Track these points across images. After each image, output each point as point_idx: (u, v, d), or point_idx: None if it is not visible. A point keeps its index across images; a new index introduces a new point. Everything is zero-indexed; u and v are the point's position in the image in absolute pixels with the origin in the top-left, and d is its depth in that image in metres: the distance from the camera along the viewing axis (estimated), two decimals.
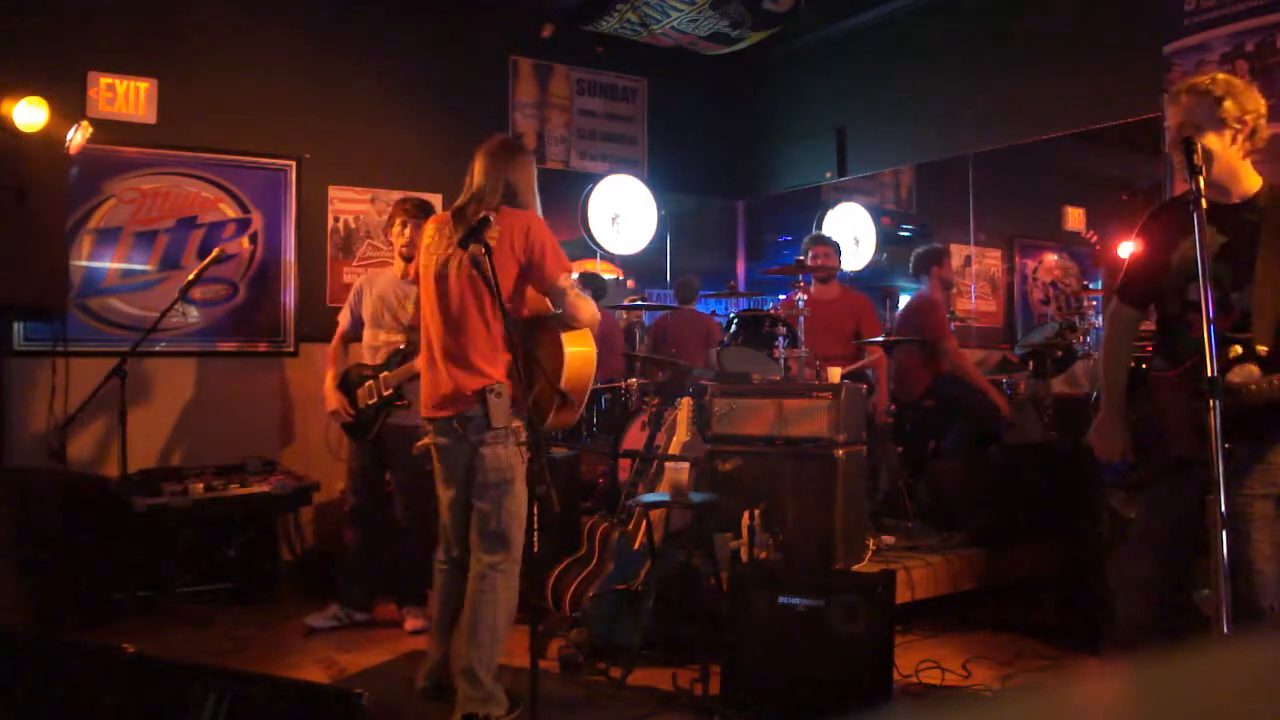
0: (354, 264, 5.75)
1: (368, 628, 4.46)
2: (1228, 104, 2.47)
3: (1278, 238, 2.48)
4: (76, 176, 4.76)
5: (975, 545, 4.59)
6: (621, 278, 7.11)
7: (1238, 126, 2.49)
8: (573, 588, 4.20)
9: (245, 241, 5.49)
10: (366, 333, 4.51)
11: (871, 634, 3.26)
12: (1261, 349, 2.44)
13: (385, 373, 4.34)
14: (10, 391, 4.85)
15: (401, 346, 4.36)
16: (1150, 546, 2.73)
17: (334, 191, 5.75)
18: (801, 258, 5.26)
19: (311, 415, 5.53)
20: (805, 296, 4.77)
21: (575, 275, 3.63)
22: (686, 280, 6.48)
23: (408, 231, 4.37)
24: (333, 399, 4.42)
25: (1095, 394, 3.75)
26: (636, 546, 4.04)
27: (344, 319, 4.61)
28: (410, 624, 4.42)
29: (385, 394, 4.33)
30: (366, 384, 4.38)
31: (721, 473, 4.22)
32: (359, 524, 4.52)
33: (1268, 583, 2.45)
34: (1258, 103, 2.51)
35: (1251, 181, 2.58)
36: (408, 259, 4.34)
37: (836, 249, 5.56)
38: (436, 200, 6.03)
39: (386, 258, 5.84)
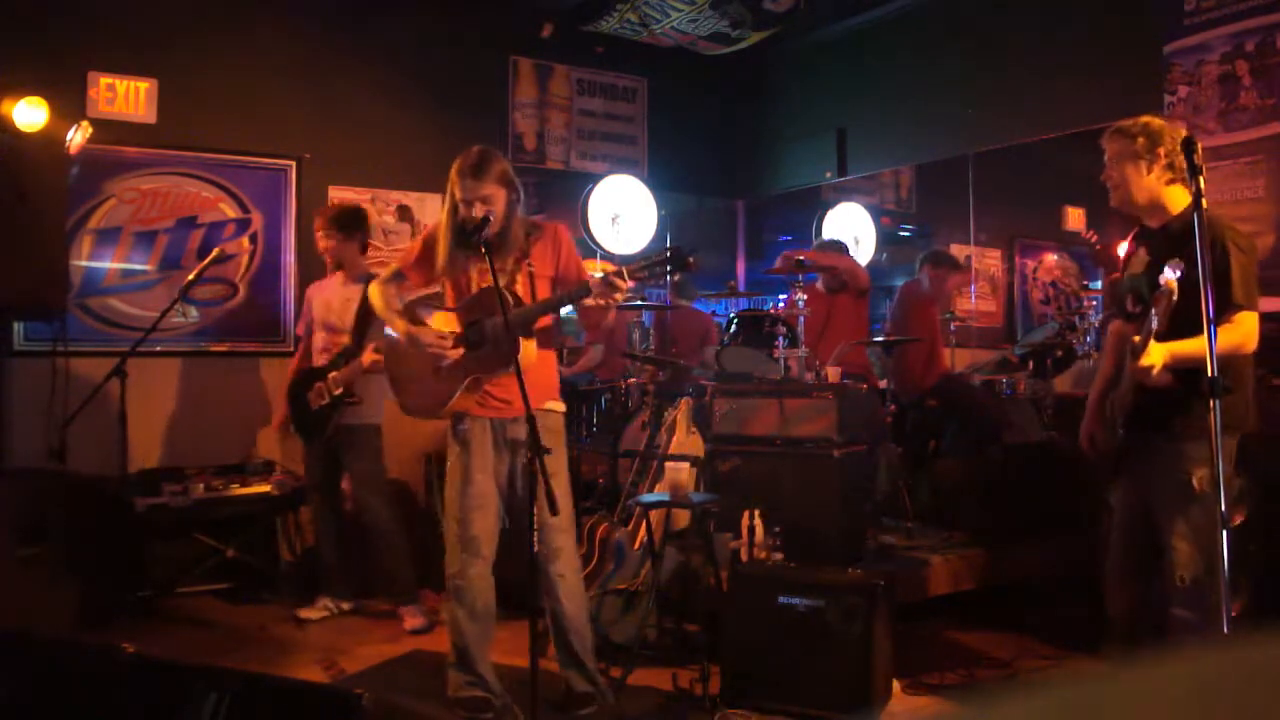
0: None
1: (368, 628, 4.47)
2: (1141, 141, 2.85)
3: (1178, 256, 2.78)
4: (76, 176, 4.75)
5: (975, 545, 4.59)
6: None
7: (1150, 159, 2.84)
8: None
9: (245, 241, 5.49)
10: (316, 336, 4.64)
11: (871, 634, 3.26)
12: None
13: (333, 372, 4.41)
14: (10, 391, 4.85)
15: (347, 344, 4.46)
16: (1118, 539, 3.05)
17: (334, 191, 5.75)
18: (802, 258, 5.26)
19: None
20: (805, 296, 4.77)
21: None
22: (683, 279, 6.47)
23: (332, 243, 4.59)
24: (281, 409, 4.60)
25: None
26: (636, 546, 4.04)
27: (302, 329, 4.80)
28: (410, 622, 4.43)
29: (335, 393, 4.39)
30: (315, 385, 4.46)
31: (721, 473, 4.22)
32: (321, 523, 4.68)
33: (1182, 558, 2.76)
34: (1174, 139, 2.81)
35: (1175, 204, 2.89)
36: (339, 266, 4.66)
37: (845, 251, 5.67)
38: (436, 200, 6.04)
39: (386, 258, 5.84)
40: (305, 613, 4.55)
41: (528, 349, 3.15)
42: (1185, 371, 2.64)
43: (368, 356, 4.28)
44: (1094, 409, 3.12)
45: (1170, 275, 2.56)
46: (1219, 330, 2.58)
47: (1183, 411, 2.73)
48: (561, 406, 3.40)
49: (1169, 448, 2.80)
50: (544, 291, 3.26)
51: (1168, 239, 2.85)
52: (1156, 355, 2.59)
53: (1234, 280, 2.69)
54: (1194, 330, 2.62)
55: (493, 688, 3.31)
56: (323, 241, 4.61)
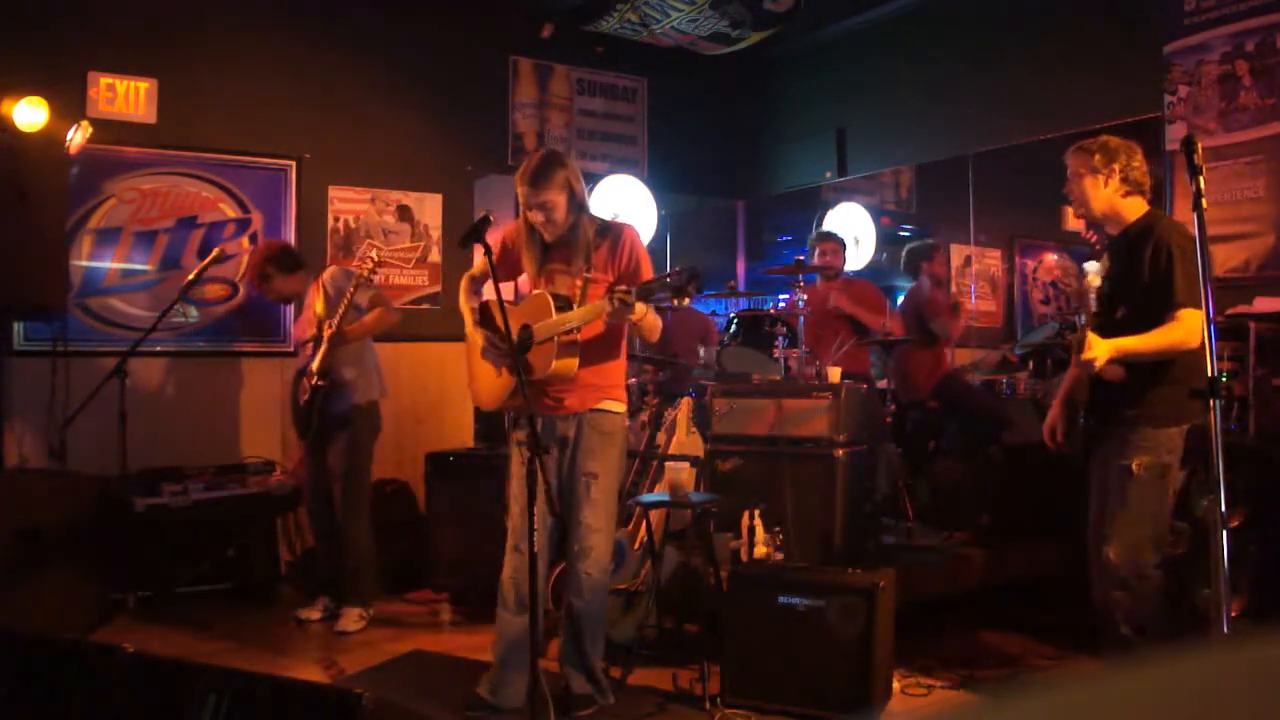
0: (354, 264, 5.74)
1: (369, 628, 4.46)
2: (1097, 157, 3.06)
3: (1129, 263, 3.00)
4: (76, 176, 4.76)
5: (975, 545, 4.59)
6: None
7: (1106, 173, 3.05)
8: None
9: (245, 241, 5.49)
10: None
11: (871, 634, 3.26)
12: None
13: (311, 364, 4.43)
14: (10, 391, 4.85)
15: (313, 335, 4.51)
16: (1091, 528, 3.14)
17: (334, 191, 5.75)
18: (801, 257, 5.26)
19: None
20: (805, 296, 4.77)
21: None
22: None
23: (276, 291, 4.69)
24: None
25: None
26: (636, 546, 4.04)
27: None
28: (341, 623, 4.41)
29: (314, 382, 4.41)
30: (301, 381, 4.50)
31: (721, 473, 4.22)
32: (318, 524, 4.63)
33: (1115, 539, 2.95)
34: (1130, 155, 3.06)
35: (1131, 214, 3.10)
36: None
37: (842, 246, 5.60)
38: (436, 200, 6.04)
39: (387, 258, 5.84)
40: (305, 613, 4.54)
41: (567, 362, 3.18)
42: (1137, 365, 2.87)
43: (325, 331, 4.32)
44: (1058, 405, 3.29)
45: (1091, 268, 2.81)
46: (1165, 328, 2.82)
47: (1133, 402, 2.95)
48: (619, 407, 3.39)
49: (1117, 436, 2.99)
50: (596, 296, 3.24)
51: (1126, 244, 3.06)
52: (1100, 349, 2.76)
53: (1176, 281, 2.87)
54: (1139, 327, 2.85)
55: (496, 689, 3.31)
56: (270, 293, 4.67)
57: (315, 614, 4.55)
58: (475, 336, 3.40)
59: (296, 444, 4.91)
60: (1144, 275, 2.93)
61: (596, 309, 3.12)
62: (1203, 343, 2.42)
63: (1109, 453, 3.03)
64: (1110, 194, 3.07)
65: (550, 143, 6.58)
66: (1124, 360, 2.86)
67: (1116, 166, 3.04)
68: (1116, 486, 2.98)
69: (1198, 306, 2.79)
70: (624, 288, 3.04)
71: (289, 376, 5.55)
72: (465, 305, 3.48)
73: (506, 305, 3.40)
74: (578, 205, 3.27)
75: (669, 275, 2.98)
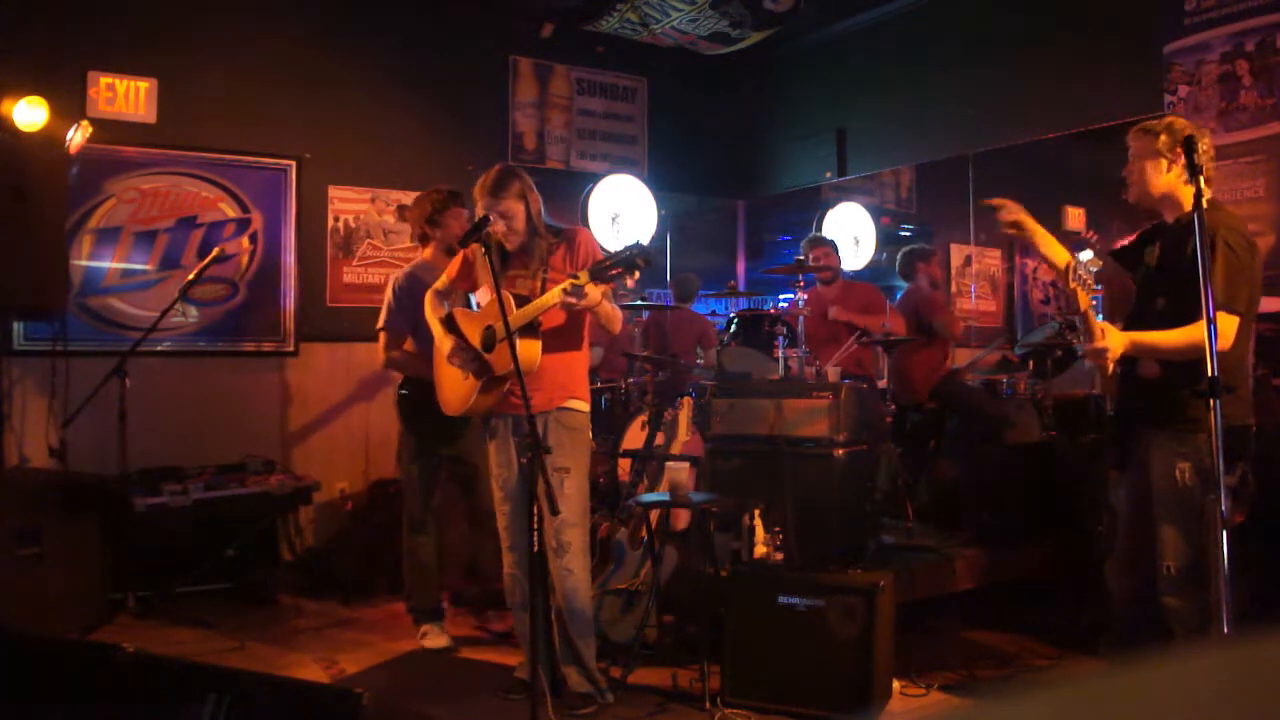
0: (354, 264, 5.75)
1: (369, 628, 4.47)
2: (1163, 139, 2.92)
3: (1176, 252, 2.89)
4: (76, 176, 4.76)
5: (975, 545, 4.58)
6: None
7: (1171, 157, 2.91)
8: None
9: (245, 241, 5.49)
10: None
11: (871, 634, 3.26)
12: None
13: None
14: (10, 391, 4.85)
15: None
16: (1122, 530, 3.09)
17: (334, 191, 5.75)
18: (801, 257, 5.26)
19: (311, 415, 5.53)
20: (805, 297, 4.78)
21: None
22: (685, 278, 6.47)
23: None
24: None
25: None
26: (636, 547, 4.04)
27: (393, 321, 4.17)
28: (500, 625, 4.33)
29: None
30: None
31: (721, 473, 4.22)
32: (433, 529, 4.28)
33: (1169, 547, 2.84)
34: (1196, 140, 2.83)
35: (1189, 201, 2.86)
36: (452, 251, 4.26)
37: (834, 248, 5.59)
38: None
39: (386, 258, 5.84)
40: (430, 642, 4.16)
41: (530, 350, 3.21)
42: (1172, 364, 2.76)
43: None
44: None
45: (1085, 257, 2.74)
46: (1191, 327, 2.68)
47: (1170, 403, 2.84)
48: (583, 405, 3.46)
49: (1157, 440, 2.89)
50: None
51: (1178, 231, 2.94)
52: (1114, 340, 2.69)
53: (1215, 279, 2.68)
54: (1175, 321, 2.73)
55: (527, 675, 3.34)
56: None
57: (442, 641, 4.17)
58: (444, 343, 3.46)
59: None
60: (1186, 266, 2.77)
61: (553, 295, 3.18)
62: (1212, 343, 2.37)
63: (1151, 459, 2.90)
64: (1173, 179, 2.95)
65: (550, 142, 6.58)
66: (1151, 357, 2.77)
67: (1182, 150, 2.89)
68: (1162, 494, 2.86)
69: (1233, 310, 2.74)
70: (575, 275, 3.13)
71: (289, 376, 5.57)
72: (431, 317, 3.55)
73: (468, 314, 3.49)
74: (533, 213, 3.39)
75: (617, 253, 3.06)
